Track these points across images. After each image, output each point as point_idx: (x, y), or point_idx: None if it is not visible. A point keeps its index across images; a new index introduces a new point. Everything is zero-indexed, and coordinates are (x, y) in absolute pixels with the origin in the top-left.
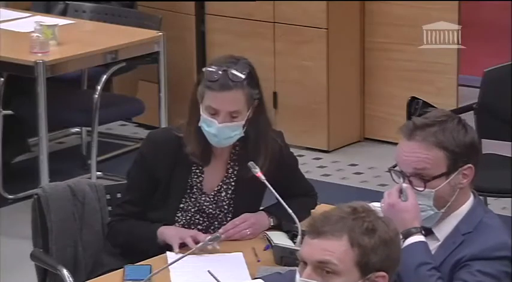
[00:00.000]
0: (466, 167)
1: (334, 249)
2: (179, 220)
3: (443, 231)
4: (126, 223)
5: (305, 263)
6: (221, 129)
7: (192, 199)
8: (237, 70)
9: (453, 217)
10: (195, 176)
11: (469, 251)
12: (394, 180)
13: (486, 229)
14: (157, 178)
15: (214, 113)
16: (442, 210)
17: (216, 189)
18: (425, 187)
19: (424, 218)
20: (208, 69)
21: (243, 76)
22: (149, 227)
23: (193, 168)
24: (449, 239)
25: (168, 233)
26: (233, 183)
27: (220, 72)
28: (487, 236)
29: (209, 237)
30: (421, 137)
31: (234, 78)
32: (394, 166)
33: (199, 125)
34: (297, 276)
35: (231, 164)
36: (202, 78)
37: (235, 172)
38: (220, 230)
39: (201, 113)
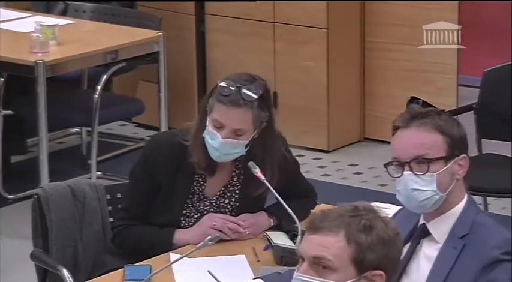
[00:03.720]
0: (461, 157)
1: (330, 245)
2: (183, 225)
3: (439, 231)
4: (134, 229)
5: (303, 259)
6: (223, 144)
7: (195, 204)
8: (250, 89)
9: (448, 216)
10: (198, 185)
11: (479, 260)
12: (391, 175)
13: (483, 229)
14: (159, 181)
15: (219, 127)
16: (446, 193)
17: (218, 194)
18: (427, 170)
19: (430, 205)
20: (223, 83)
21: (255, 96)
22: (162, 231)
23: (196, 176)
24: (448, 244)
25: (185, 238)
26: (237, 191)
27: (233, 88)
28: (488, 236)
29: (209, 237)
30: (419, 122)
31: (245, 97)
32: (390, 163)
33: (203, 135)
34: (295, 272)
35: (237, 172)
36: (215, 91)
37: (240, 181)
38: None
39: (207, 124)
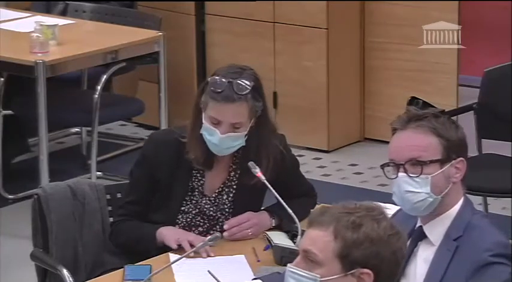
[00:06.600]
0: (458, 160)
1: (317, 239)
2: (180, 222)
3: (435, 233)
4: (128, 224)
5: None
6: (223, 140)
7: (193, 201)
8: (242, 82)
9: (444, 218)
10: (196, 180)
11: (470, 263)
12: (387, 176)
13: (476, 231)
14: (158, 179)
15: (216, 123)
16: (441, 196)
17: (217, 191)
18: (421, 172)
19: (423, 207)
20: (214, 78)
21: (248, 88)
22: (149, 228)
23: (194, 172)
24: (443, 247)
25: (166, 233)
26: (234, 187)
27: (225, 83)
28: (479, 238)
29: (209, 237)
30: (415, 124)
31: (238, 91)
32: (386, 164)
33: (201, 132)
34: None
35: (233, 167)
36: (207, 87)
37: (237, 176)
38: (225, 226)
39: (204, 121)
